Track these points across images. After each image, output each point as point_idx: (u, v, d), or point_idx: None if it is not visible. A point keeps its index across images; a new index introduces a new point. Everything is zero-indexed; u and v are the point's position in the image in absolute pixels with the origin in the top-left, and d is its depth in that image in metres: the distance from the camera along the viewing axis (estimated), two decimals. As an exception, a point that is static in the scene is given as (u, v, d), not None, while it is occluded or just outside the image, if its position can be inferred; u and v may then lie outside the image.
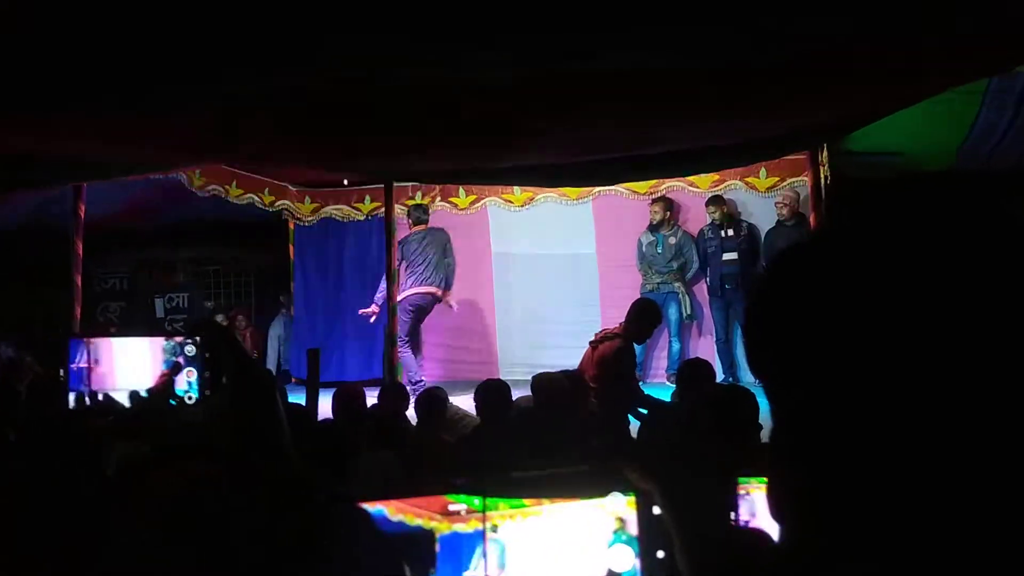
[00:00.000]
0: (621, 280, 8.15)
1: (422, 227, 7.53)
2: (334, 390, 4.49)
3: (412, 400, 4.53)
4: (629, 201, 8.15)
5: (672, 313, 7.69)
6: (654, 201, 7.89)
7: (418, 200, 8.67)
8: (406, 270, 7.36)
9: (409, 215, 7.52)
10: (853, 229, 0.63)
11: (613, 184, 7.92)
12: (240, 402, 0.96)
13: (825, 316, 0.60)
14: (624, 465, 0.94)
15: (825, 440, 0.60)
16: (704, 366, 4.50)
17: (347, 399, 4.28)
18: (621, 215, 8.15)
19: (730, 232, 7.65)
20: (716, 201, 7.73)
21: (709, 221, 7.80)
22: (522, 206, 8.48)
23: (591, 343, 5.21)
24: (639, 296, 7.75)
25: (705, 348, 7.53)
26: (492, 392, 4.22)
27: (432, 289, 7.33)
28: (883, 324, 0.59)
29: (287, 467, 0.96)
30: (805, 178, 7.08)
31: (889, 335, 0.58)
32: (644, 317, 5.26)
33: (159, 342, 1.44)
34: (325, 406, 4.49)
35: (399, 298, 7.19)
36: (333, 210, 8.98)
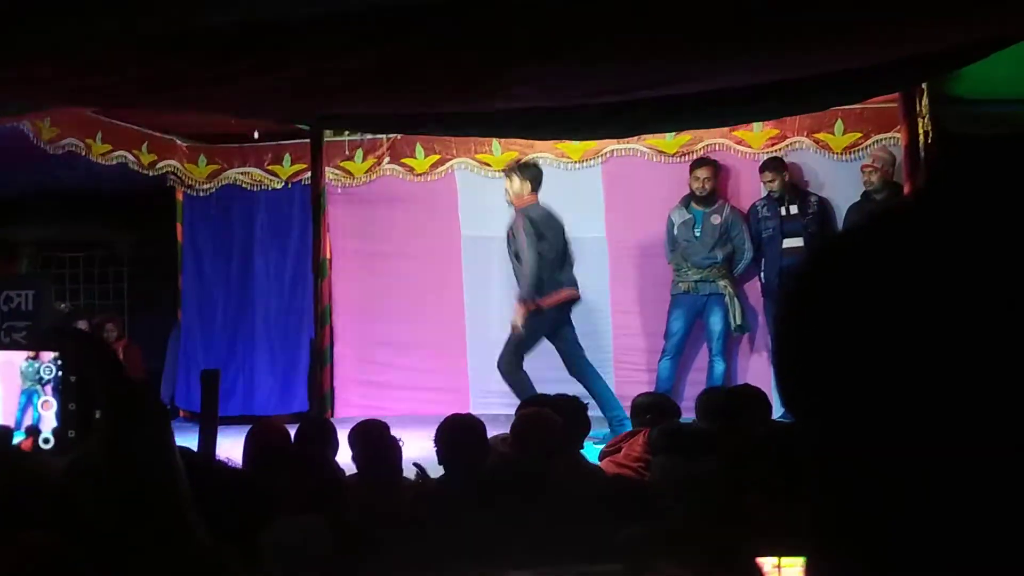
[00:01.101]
0: (642, 275, 8.23)
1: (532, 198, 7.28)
2: (247, 430, 4.51)
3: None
4: (653, 164, 8.23)
5: (715, 323, 7.77)
6: (696, 164, 7.96)
7: (359, 161, 8.70)
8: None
9: (522, 173, 7.25)
10: (946, 207, 0.60)
11: (631, 137, 7.98)
12: (121, 448, 0.94)
13: (901, 339, 0.58)
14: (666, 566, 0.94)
15: (899, 523, 0.60)
16: (755, 397, 4.53)
17: (265, 442, 4.29)
18: (642, 183, 8.24)
19: (794, 208, 7.75)
20: (774, 165, 7.80)
21: (765, 193, 7.90)
22: (502, 171, 8.52)
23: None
24: (671, 294, 7.91)
25: (759, 370, 7.63)
26: (459, 432, 4.23)
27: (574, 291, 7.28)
28: (992, 353, 0.57)
29: (188, 544, 0.92)
30: (898, 134, 7.15)
31: (998, 369, 0.57)
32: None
33: (13, 363, 1.43)
34: (229, 452, 4.48)
35: (548, 302, 7.07)
36: (238, 174, 9.01)
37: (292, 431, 4.65)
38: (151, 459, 1.00)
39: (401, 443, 4.35)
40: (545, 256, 7.03)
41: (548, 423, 4.33)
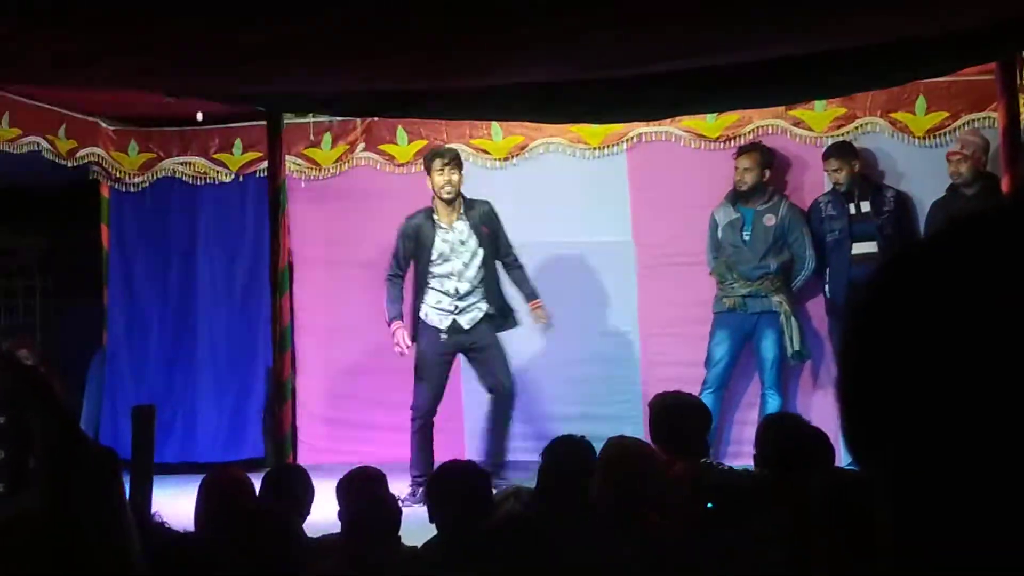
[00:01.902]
0: (678, 289, 8.28)
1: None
2: (201, 480, 4.53)
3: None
4: (692, 151, 8.29)
5: (767, 348, 7.83)
6: (740, 151, 8.01)
7: (328, 148, 8.73)
8: None
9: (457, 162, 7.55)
10: None
11: (663, 119, 8.02)
12: (63, 506, 0.94)
13: (1000, 370, 0.58)
14: None
15: None
16: (815, 440, 4.55)
17: (224, 497, 4.31)
18: (678, 175, 8.29)
19: (865, 206, 7.80)
20: (841, 153, 7.85)
21: (830, 187, 7.95)
22: (505, 159, 8.59)
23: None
24: (713, 312, 7.97)
25: (823, 408, 7.61)
26: (457, 482, 4.25)
27: None
28: None
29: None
30: (993, 113, 7.18)
31: None
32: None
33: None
34: (166, 508, 4.50)
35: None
36: (178, 165, 9.07)
37: (256, 482, 4.68)
38: (100, 520, 1.00)
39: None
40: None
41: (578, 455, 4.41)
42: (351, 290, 8.74)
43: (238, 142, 8.95)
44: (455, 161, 7.40)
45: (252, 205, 8.81)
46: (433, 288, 7.39)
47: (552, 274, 8.16)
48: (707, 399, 7.64)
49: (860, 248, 7.72)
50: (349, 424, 8.75)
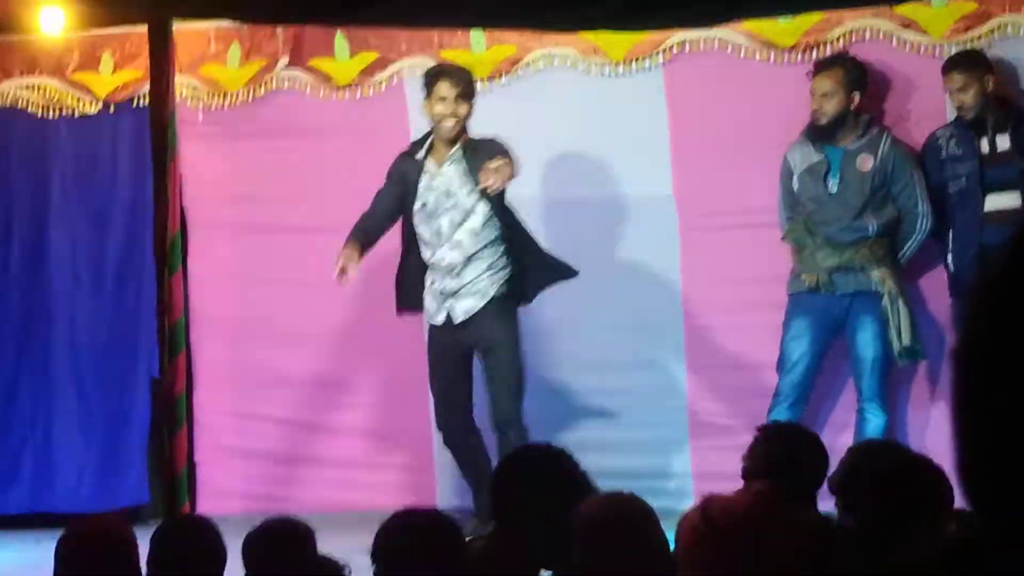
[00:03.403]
0: (737, 261, 8.34)
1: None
2: (58, 540, 4.57)
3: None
4: (756, 66, 8.32)
5: (864, 344, 7.88)
6: (817, 68, 8.02)
7: (236, 64, 8.74)
8: None
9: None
10: None
11: (715, 23, 8.00)
12: None
13: None
14: None
15: None
16: (931, 477, 4.59)
17: (94, 563, 4.33)
18: (735, 101, 8.34)
19: (1003, 142, 7.84)
20: (970, 64, 7.85)
21: (953, 115, 7.98)
22: (489, 79, 8.60)
23: None
24: (788, 293, 8.04)
25: (944, 428, 7.53)
26: (414, 539, 4.31)
27: None
28: None
29: None
30: None
31: None
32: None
33: None
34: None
35: None
36: (21, 89, 9.07)
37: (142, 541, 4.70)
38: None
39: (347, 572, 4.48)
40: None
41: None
42: (271, 266, 8.81)
43: (106, 57, 8.93)
44: (468, 87, 7.55)
45: (127, 147, 8.84)
46: (429, 263, 7.62)
47: (558, 244, 8.10)
48: (780, 417, 7.66)
49: (996, 202, 7.79)
50: (270, 457, 8.83)
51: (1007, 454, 0.69)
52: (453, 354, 7.61)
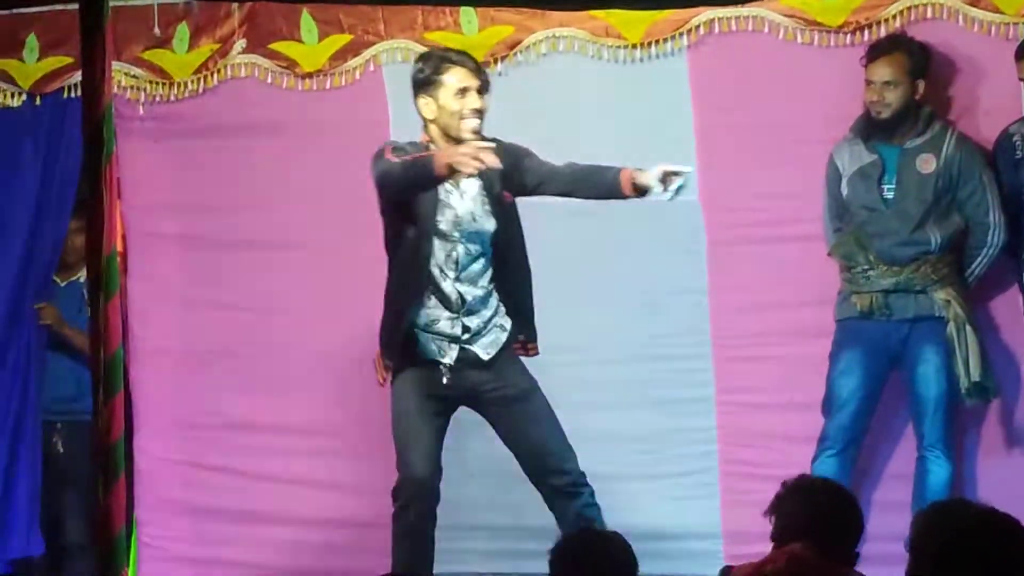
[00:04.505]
0: (777, 279, 8.28)
1: None
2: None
3: None
4: (793, 49, 8.28)
5: (926, 379, 7.84)
6: (873, 51, 7.96)
7: (184, 48, 8.70)
8: None
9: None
10: None
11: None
12: None
13: None
14: None
15: None
16: (1013, 536, 4.48)
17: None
18: (772, 90, 8.31)
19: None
20: (1048, 48, 7.87)
21: (1030, 110, 7.98)
22: (483, 65, 8.45)
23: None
24: (835, 319, 7.97)
25: (1018, 480, 7.69)
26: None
27: None
28: None
29: None
30: None
31: None
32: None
33: None
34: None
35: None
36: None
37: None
38: None
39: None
40: None
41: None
42: (224, 289, 8.79)
43: (32, 40, 8.90)
44: (485, 77, 7.36)
45: (55, 145, 8.79)
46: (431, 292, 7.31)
47: (560, 261, 8.15)
48: (827, 467, 7.64)
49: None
50: (221, 514, 8.77)
51: None
52: (444, 405, 7.38)
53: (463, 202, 7.21)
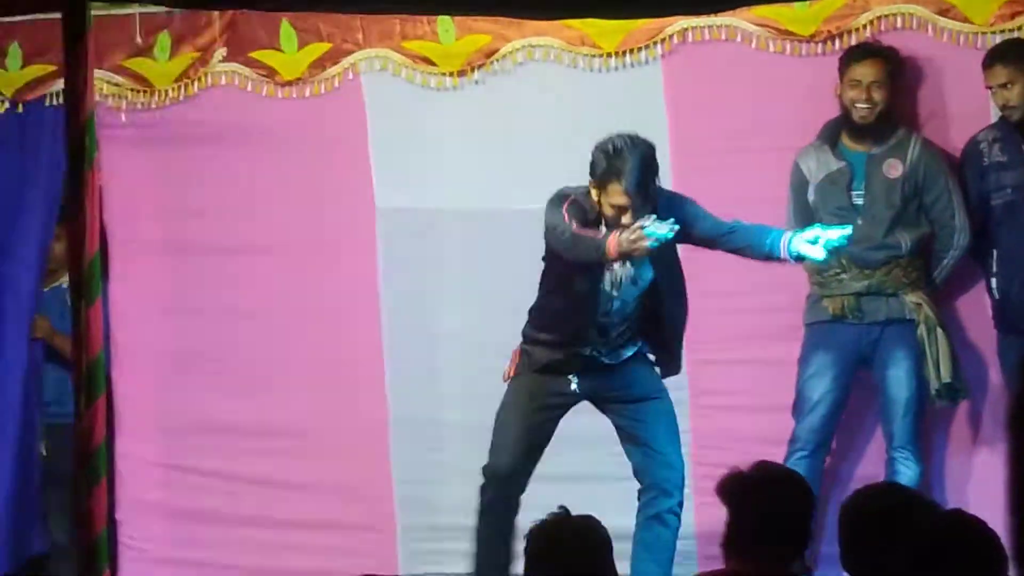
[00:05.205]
0: (746, 284, 8.30)
1: None
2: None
3: None
4: (765, 58, 8.32)
5: (896, 382, 7.89)
6: (849, 56, 8.00)
7: (165, 57, 8.73)
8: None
9: None
10: None
11: (722, 8, 7.94)
12: None
13: None
14: None
15: None
16: (979, 543, 4.54)
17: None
18: (745, 99, 8.36)
19: (1056, 148, 7.87)
20: (1014, 56, 7.84)
21: (997, 116, 7.98)
22: (460, 74, 8.64)
23: None
24: (804, 324, 8.05)
25: (989, 480, 7.52)
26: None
27: None
28: None
29: None
30: None
31: None
32: None
33: None
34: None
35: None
36: (-88, 86, 9.05)
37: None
38: None
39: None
40: None
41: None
42: (205, 294, 8.83)
43: (14, 49, 8.94)
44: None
45: (39, 152, 8.83)
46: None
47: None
48: (798, 468, 7.63)
49: (1049, 216, 7.80)
50: (201, 517, 8.81)
51: None
52: (571, 396, 7.45)
53: (626, 266, 7.24)
